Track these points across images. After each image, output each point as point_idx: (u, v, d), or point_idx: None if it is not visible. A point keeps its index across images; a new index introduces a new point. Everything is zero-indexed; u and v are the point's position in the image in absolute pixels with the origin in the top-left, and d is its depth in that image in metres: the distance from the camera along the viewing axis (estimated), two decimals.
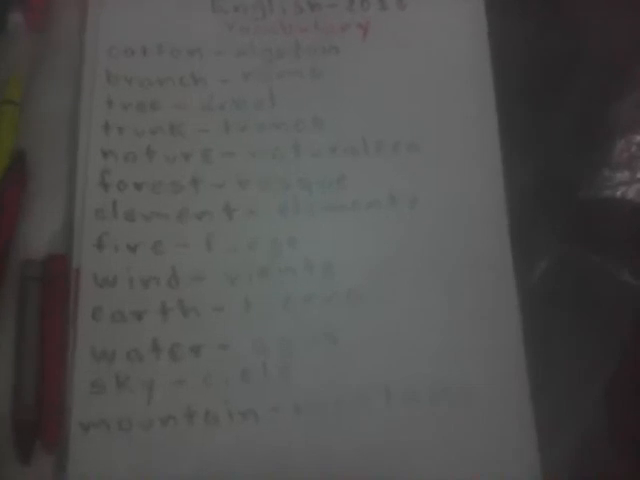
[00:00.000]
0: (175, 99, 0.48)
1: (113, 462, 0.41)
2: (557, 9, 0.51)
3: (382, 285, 0.45)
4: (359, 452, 0.42)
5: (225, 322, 0.44)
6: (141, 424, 0.42)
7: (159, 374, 0.42)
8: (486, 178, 0.47)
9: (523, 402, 0.43)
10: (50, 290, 0.44)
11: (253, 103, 0.48)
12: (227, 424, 0.42)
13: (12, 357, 0.42)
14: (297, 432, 0.42)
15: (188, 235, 0.45)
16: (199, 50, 0.49)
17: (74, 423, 0.41)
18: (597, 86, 0.49)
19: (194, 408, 0.42)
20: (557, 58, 0.50)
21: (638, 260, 0.45)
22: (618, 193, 0.47)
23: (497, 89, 0.48)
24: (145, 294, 0.44)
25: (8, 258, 0.44)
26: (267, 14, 0.51)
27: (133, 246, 0.45)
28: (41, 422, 0.41)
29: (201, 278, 0.44)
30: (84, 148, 0.46)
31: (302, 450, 0.42)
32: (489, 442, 0.42)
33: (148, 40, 0.49)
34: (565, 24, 0.51)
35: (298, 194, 0.46)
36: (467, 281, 0.45)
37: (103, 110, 0.47)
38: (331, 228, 0.46)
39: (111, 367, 0.42)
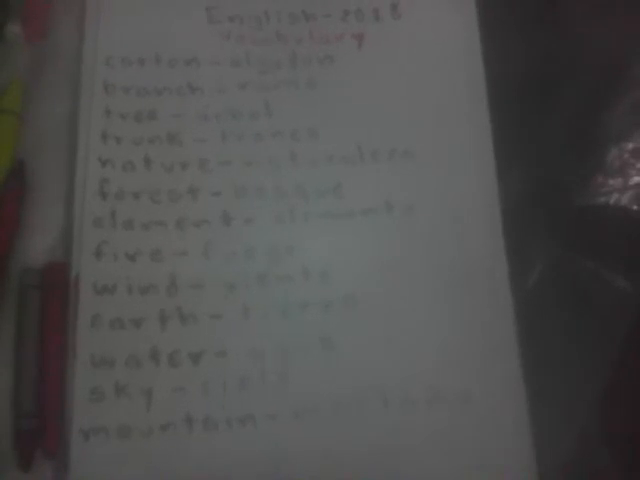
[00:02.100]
0: (172, 109, 0.48)
1: (113, 469, 0.41)
2: (550, 17, 0.52)
3: (378, 291, 0.45)
4: (357, 457, 0.42)
5: (223, 329, 0.44)
6: (140, 431, 0.42)
7: (158, 381, 0.43)
8: (480, 184, 0.47)
9: (519, 406, 0.43)
10: (49, 298, 0.44)
11: (249, 113, 0.49)
12: (226, 430, 0.42)
13: (12, 364, 0.43)
14: (295, 438, 0.42)
15: (186, 243, 0.45)
16: (196, 60, 0.50)
17: (74, 430, 0.41)
18: (590, 93, 0.50)
19: (193, 414, 0.42)
20: (550, 66, 0.50)
21: (633, 266, 0.46)
22: (612, 200, 0.48)
23: (490, 96, 0.49)
24: (144, 302, 0.44)
25: (7, 266, 0.44)
26: (263, 24, 0.51)
27: (132, 254, 0.45)
28: (41, 429, 0.42)
29: (199, 286, 0.44)
30: (83, 157, 0.46)
31: (301, 456, 0.42)
32: (485, 447, 0.42)
33: (145, 50, 0.49)
34: (557, 34, 0.51)
35: (295, 202, 0.47)
36: (463, 287, 0.45)
37: (101, 120, 0.47)
38: (328, 236, 0.46)
39: (110, 374, 0.42)
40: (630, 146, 0.49)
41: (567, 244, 0.46)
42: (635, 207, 0.47)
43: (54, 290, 0.44)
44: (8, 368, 0.43)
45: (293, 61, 0.50)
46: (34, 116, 0.48)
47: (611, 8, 0.52)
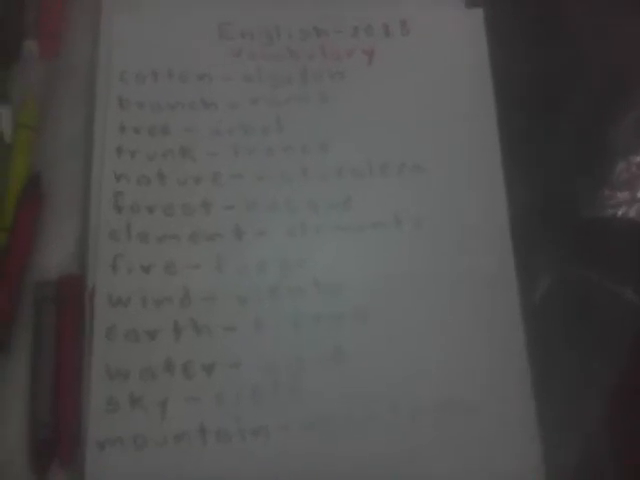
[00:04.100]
0: (185, 123, 0.49)
1: (128, 479, 0.42)
2: (559, 32, 0.52)
3: (388, 303, 0.46)
4: (369, 467, 0.42)
5: (236, 341, 0.44)
6: (155, 441, 0.42)
7: (172, 392, 0.43)
8: (489, 198, 0.48)
9: (528, 415, 0.43)
10: (65, 310, 0.44)
11: (261, 128, 0.49)
12: (239, 441, 0.42)
13: (29, 375, 0.43)
14: (307, 449, 0.43)
15: (199, 256, 0.46)
16: (208, 75, 0.50)
17: (90, 441, 0.42)
18: (598, 107, 0.50)
19: (207, 425, 0.43)
20: (558, 79, 0.51)
21: None
22: (619, 213, 0.48)
23: (499, 110, 0.50)
24: (158, 314, 0.44)
25: (24, 279, 0.45)
26: (274, 40, 0.52)
27: (146, 267, 0.45)
28: (57, 439, 0.42)
29: (212, 298, 0.45)
30: (98, 171, 0.47)
31: (313, 467, 0.42)
32: (494, 454, 0.43)
33: (158, 66, 0.50)
34: (566, 49, 0.52)
35: (306, 216, 0.47)
36: (471, 299, 0.46)
37: (116, 134, 0.48)
38: (338, 248, 0.47)
39: (125, 385, 0.43)
40: (638, 159, 0.49)
41: (575, 257, 0.47)
42: None
43: (70, 302, 0.45)
44: (25, 379, 0.43)
45: (304, 76, 0.51)
46: (50, 130, 0.49)
47: (621, 20, 0.52)
